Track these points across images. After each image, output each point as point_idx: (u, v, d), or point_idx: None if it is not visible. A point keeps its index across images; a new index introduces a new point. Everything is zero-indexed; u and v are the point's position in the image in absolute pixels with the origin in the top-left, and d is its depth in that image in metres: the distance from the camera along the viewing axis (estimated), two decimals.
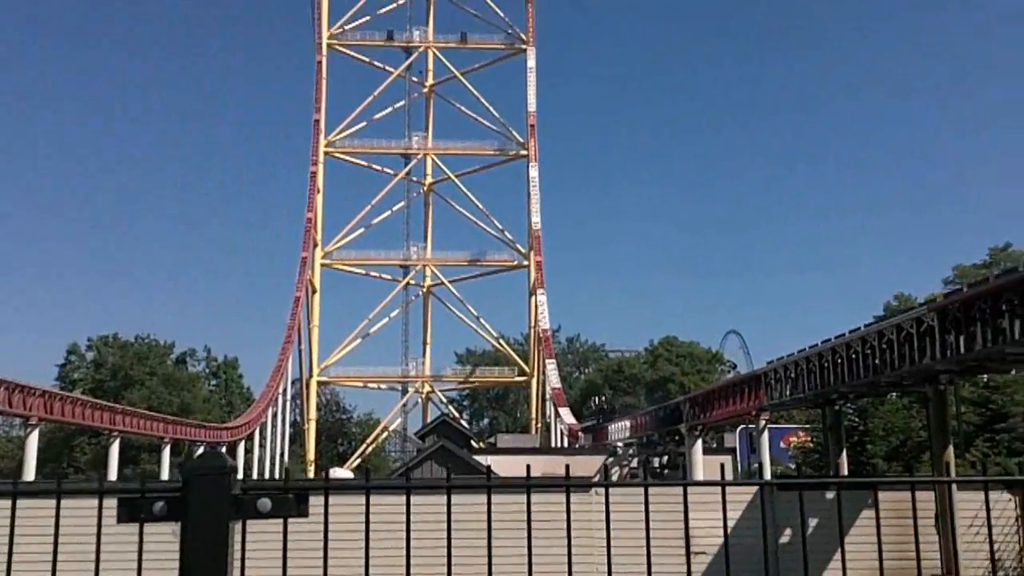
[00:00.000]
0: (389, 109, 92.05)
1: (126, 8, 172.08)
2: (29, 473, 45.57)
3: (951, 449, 28.34)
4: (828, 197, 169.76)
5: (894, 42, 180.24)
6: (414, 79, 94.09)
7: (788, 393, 36.33)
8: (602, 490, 20.61)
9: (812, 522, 19.45)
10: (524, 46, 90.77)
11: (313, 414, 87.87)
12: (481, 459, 43.91)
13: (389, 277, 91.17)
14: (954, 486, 20.00)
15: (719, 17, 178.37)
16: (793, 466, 59.28)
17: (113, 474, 54.40)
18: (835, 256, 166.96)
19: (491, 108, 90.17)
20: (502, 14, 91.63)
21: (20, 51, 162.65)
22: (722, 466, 32.93)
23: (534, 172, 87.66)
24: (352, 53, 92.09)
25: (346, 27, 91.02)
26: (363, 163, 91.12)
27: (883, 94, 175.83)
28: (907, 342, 27.00)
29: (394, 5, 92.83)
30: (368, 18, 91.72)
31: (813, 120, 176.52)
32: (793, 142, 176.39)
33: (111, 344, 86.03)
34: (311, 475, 73.69)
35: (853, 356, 30.37)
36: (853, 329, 30.47)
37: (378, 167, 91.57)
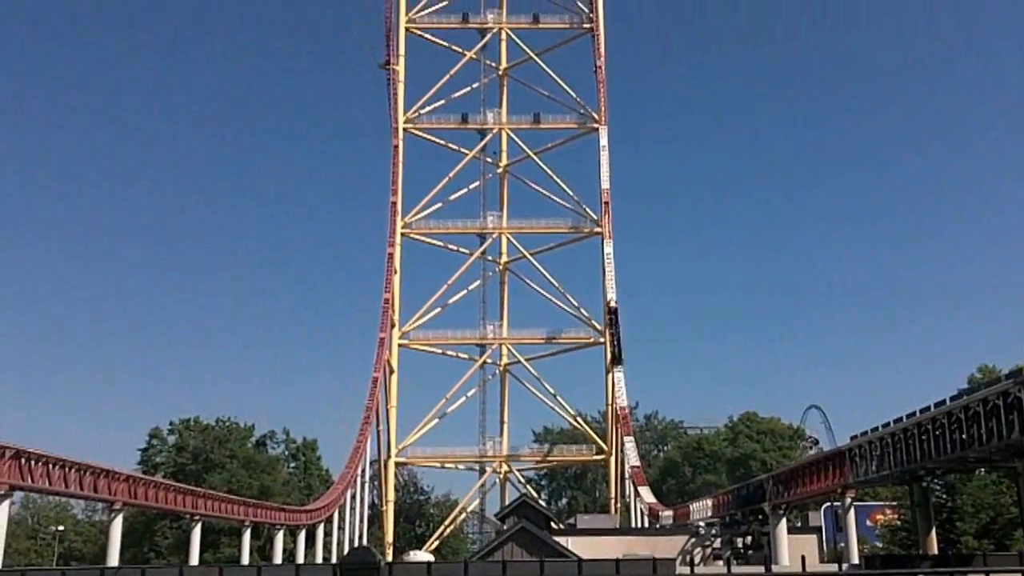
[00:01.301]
0: (464, 190, 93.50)
1: (203, 99, 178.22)
2: (113, 558, 45.86)
3: None
4: (906, 267, 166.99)
5: (962, 97, 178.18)
6: (488, 160, 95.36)
7: (874, 470, 35.44)
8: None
9: None
10: (596, 125, 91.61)
11: (391, 495, 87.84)
12: (561, 540, 43.34)
13: (466, 356, 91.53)
14: None
15: (784, 76, 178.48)
16: (880, 545, 57.47)
17: (195, 558, 54.58)
18: (916, 327, 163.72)
19: (564, 186, 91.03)
20: (574, 94, 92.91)
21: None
22: (803, 558, 32.03)
23: (609, 248, 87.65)
24: (428, 136, 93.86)
25: (421, 111, 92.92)
26: (439, 243, 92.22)
27: (954, 151, 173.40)
28: (994, 416, 26.25)
29: (468, 89, 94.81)
30: (443, 101, 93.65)
31: (885, 178, 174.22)
32: (868, 204, 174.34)
33: (192, 427, 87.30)
34: (389, 558, 73.40)
35: (939, 431, 29.59)
36: (938, 403, 29.72)
37: (454, 247, 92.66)
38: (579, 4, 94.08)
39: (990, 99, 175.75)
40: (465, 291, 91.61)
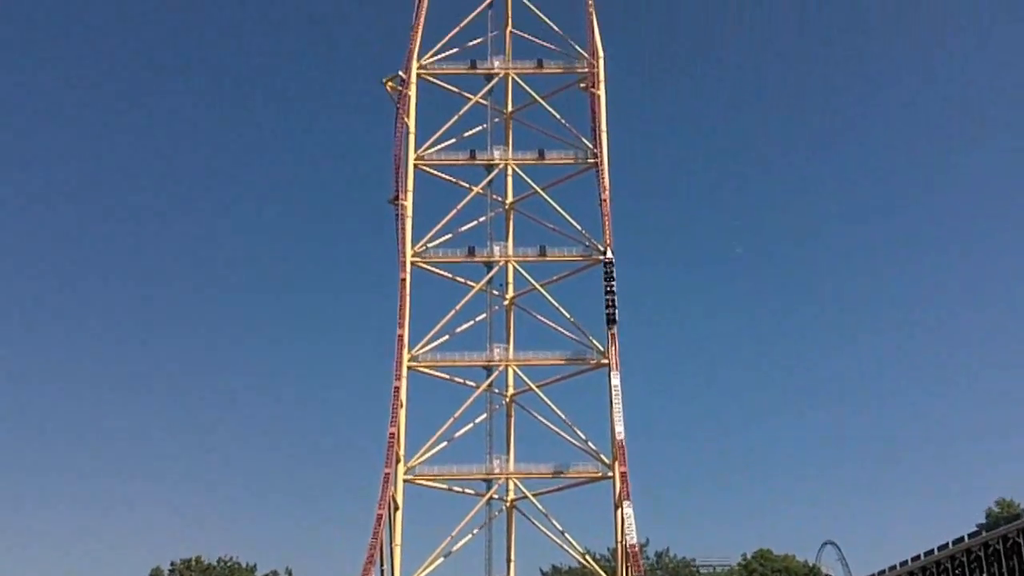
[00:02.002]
0: (471, 322, 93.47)
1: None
2: None
3: None
4: (921, 395, 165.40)
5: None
6: (495, 292, 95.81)
7: None
8: None
9: None
10: (601, 256, 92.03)
11: None
12: None
13: (472, 492, 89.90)
14: None
15: (782, 202, 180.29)
16: None
17: None
18: (933, 457, 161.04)
19: (571, 317, 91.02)
20: (579, 227, 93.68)
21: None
22: None
23: (616, 380, 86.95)
24: (434, 269, 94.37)
25: (429, 244, 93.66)
26: (445, 376, 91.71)
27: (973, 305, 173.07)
28: (1014, 553, 25.29)
29: (475, 222, 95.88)
30: (450, 235, 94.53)
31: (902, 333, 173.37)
32: (881, 341, 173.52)
33: (193, 567, 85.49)
34: None
35: (958, 569, 28.53)
36: (956, 540, 28.77)
37: (460, 380, 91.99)
38: (583, 140, 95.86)
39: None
40: (471, 424, 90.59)
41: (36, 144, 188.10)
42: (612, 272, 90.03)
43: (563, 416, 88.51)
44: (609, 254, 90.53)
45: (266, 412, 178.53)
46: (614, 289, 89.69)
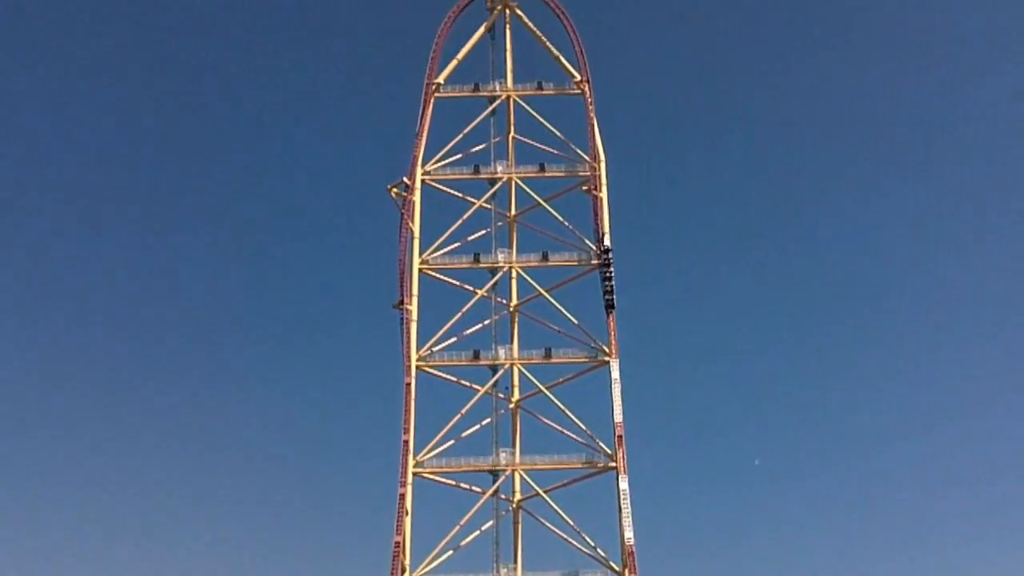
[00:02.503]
0: (477, 426, 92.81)
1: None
2: None
3: None
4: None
5: None
6: (500, 396, 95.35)
7: None
8: None
9: None
10: (607, 358, 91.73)
11: None
12: None
13: None
14: None
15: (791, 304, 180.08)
16: None
17: None
18: None
19: (577, 420, 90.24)
20: (584, 328, 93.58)
21: None
22: None
23: (624, 484, 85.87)
24: (439, 373, 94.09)
25: (434, 348, 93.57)
26: (451, 482, 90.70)
27: None
28: None
29: (479, 326, 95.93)
30: (455, 339, 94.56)
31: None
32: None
33: None
34: None
35: None
36: None
37: (466, 485, 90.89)
38: (587, 242, 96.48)
39: None
40: (478, 531, 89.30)
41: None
42: (610, 266, 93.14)
43: (572, 522, 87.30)
44: (607, 243, 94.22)
45: (268, 515, 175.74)
46: (612, 280, 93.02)
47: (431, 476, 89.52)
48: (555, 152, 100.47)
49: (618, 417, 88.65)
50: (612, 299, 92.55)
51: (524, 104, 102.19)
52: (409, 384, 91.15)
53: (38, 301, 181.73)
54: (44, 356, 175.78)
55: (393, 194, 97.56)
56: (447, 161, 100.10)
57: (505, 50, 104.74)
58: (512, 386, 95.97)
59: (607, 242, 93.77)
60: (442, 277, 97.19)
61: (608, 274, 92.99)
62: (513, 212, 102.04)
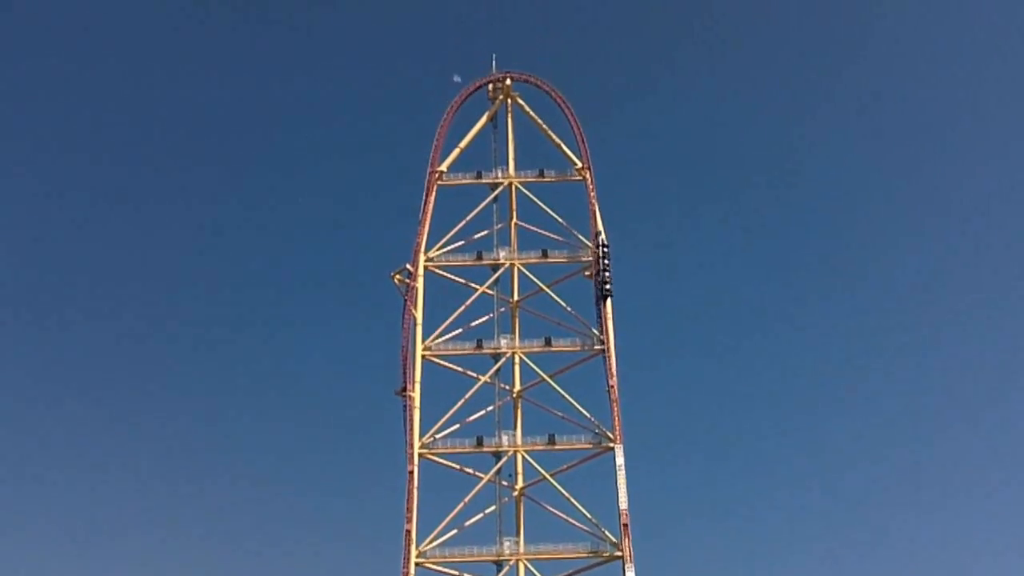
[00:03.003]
0: (480, 515, 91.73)
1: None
2: None
3: None
4: None
5: None
6: (504, 482, 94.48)
7: None
8: None
9: None
10: (612, 444, 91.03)
11: None
12: None
13: None
14: None
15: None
16: None
17: None
18: None
19: (582, 508, 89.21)
20: (588, 414, 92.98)
21: None
22: None
23: (631, 574, 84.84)
24: (442, 460, 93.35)
25: (437, 435, 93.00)
26: (455, 572, 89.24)
27: None
28: None
29: (483, 412, 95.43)
30: (458, 425, 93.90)
31: None
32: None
33: None
34: None
35: None
36: None
37: (469, 575, 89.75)
38: (591, 329, 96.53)
39: None
40: None
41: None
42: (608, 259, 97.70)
43: None
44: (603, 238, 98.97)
45: None
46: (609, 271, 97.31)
47: (434, 567, 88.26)
48: (557, 238, 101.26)
49: (623, 504, 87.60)
50: (609, 288, 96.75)
51: (526, 190, 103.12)
52: (412, 472, 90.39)
53: None
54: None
55: (396, 281, 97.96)
56: (450, 248, 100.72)
57: (507, 138, 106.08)
58: (516, 473, 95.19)
59: (603, 237, 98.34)
60: (445, 363, 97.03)
61: (604, 266, 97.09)
62: (516, 297, 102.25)
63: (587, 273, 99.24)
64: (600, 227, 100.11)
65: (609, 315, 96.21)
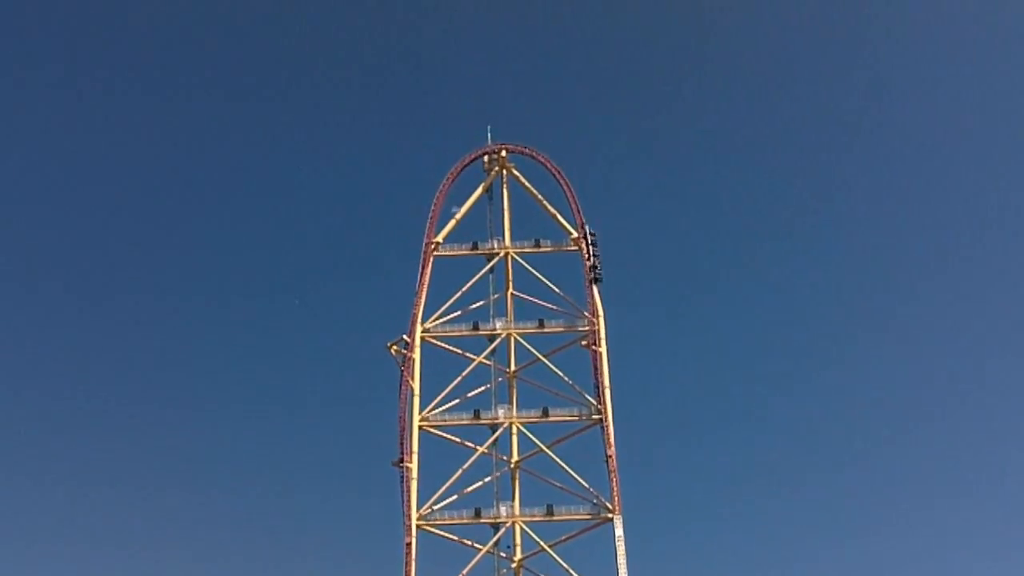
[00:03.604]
0: None
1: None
2: None
3: None
4: None
5: None
6: (502, 554, 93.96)
7: None
8: None
9: None
10: (610, 515, 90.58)
11: None
12: None
13: None
14: None
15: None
16: None
17: None
18: None
19: None
20: (586, 484, 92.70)
21: None
22: None
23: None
24: (440, 532, 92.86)
25: (434, 507, 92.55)
26: None
27: None
28: None
29: (480, 483, 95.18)
30: (455, 497, 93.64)
31: None
32: None
33: None
34: None
35: None
36: None
37: None
38: (587, 397, 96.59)
39: None
40: None
41: None
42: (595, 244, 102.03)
43: None
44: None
45: None
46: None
47: None
48: (554, 308, 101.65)
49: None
50: (599, 273, 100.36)
51: (522, 261, 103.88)
52: (409, 544, 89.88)
53: None
54: None
55: (393, 352, 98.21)
56: (446, 318, 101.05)
57: (503, 208, 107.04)
58: (514, 544, 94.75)
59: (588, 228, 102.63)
60: (442, 434, 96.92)
61: (593, 251, 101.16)
62: (513, 368, 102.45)
63: (584, 343, 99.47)
64: (597, 298, 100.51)
65: (606, 384, 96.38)
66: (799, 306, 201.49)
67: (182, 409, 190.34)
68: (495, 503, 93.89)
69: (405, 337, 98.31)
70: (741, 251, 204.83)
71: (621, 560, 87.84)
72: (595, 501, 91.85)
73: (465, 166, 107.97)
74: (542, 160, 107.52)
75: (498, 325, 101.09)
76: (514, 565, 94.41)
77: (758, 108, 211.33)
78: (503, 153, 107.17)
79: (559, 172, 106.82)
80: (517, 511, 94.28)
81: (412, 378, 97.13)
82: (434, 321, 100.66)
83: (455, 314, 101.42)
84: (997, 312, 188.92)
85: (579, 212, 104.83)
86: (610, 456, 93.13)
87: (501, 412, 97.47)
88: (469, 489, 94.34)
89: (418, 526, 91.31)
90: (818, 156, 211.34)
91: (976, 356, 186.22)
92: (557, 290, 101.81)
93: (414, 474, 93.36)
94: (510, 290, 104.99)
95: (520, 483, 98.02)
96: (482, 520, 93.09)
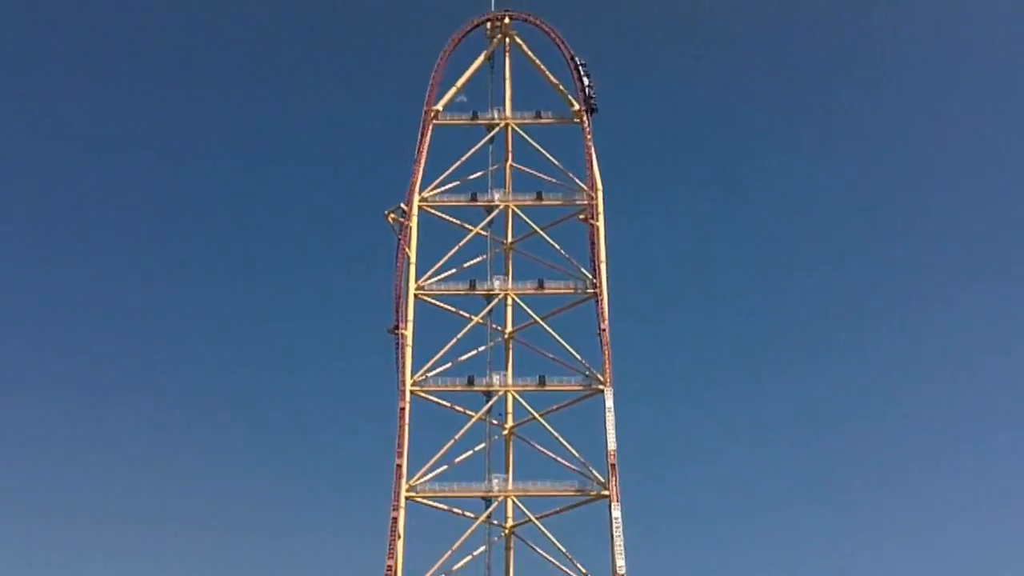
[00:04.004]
0: (470, 452, 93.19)
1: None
2: None
3: None
4: None
5: None
6: (494, 421, 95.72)
7: None
8: None
9: None
10: (601, 387, 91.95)
11: None
12: None
13: None
14: None
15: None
16: None
17: None
18: None
19: (571, 448, 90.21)
20: (579, 356, 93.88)
21: None
22: None
23: (616, 513, 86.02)
24: (433, 398, 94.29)
25: (428, 373, 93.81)
26: (444, 507, 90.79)
27: None
28: None
29: (474, 352, 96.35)
30: (450, 364, 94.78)
31: None
32: None
33: None
34: None
35: None
36: None
37: (458, 510, 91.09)
38: (583, 270, 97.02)
39: None
40: (470, 556, 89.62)
41: None
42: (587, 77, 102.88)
43: (564, 550, 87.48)
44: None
45: (259, 539, 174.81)
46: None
47: (424, 501, 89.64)
48: (553, 181, 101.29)
49: (611, 445, 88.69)
50: (594, 103, 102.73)
51: (522, 132, 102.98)
52: (403, 408, 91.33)
53: None
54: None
55: (390, 220, 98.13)
56: (445, 188, 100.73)
57: (504, 78, 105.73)
58: (506, 412, 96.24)
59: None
60: (437, 303, 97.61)
61: (588, 84, 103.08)
62: (510, 240, 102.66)
63: (581, 217, 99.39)
64: (597, 173, 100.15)
65: (603, 259, 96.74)
66: (797, 187, 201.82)
67: (178, 273, 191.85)
68: (488, 372, 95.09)
69: (403, 205, 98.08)
70: (741, 128, 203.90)
71: (610, 430, 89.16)
72: (587, 373, 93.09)
73: (467, 33, 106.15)
74: (546, 29, 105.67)
75: (496, 196, 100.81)
76: (505, 432, 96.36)
77: None
78: (506, 20, 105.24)
79: (563, 42, 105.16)
80: (510, 380, 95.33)
81: (409, 246, 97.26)
82: (432, 190, 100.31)
83: (453, 184, 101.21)
84: None
85: (580, 78, 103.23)
86: (603, 330, 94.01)
87: (497, 283, 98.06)
88: (463, 358, 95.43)
89: (412, 392, 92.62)
90: None
91: None
92: (556, 163, 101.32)
93: (409, 341, 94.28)
94: (509, 162, 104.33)
95: (513, 353, 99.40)
96: (475, 388, 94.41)
